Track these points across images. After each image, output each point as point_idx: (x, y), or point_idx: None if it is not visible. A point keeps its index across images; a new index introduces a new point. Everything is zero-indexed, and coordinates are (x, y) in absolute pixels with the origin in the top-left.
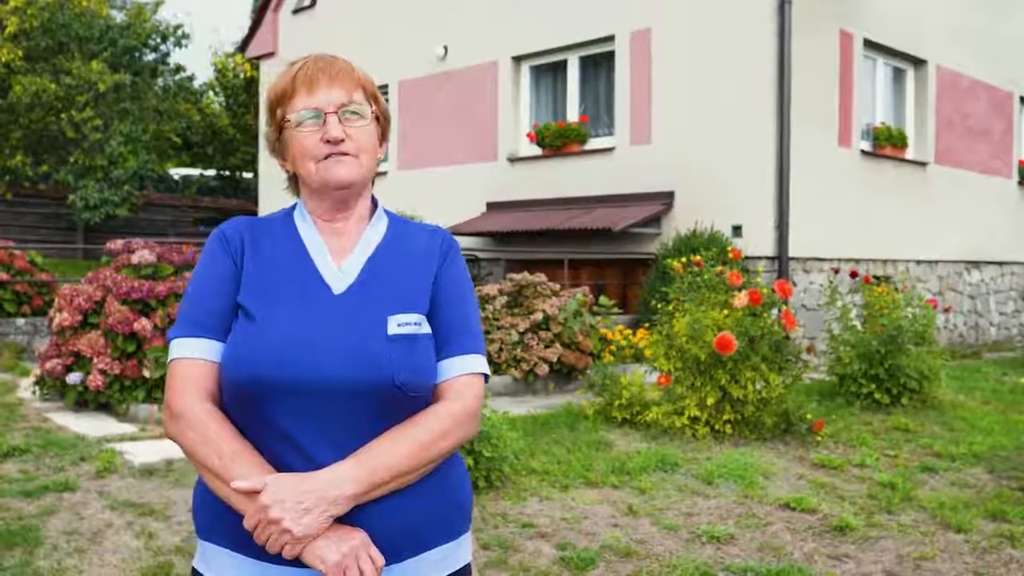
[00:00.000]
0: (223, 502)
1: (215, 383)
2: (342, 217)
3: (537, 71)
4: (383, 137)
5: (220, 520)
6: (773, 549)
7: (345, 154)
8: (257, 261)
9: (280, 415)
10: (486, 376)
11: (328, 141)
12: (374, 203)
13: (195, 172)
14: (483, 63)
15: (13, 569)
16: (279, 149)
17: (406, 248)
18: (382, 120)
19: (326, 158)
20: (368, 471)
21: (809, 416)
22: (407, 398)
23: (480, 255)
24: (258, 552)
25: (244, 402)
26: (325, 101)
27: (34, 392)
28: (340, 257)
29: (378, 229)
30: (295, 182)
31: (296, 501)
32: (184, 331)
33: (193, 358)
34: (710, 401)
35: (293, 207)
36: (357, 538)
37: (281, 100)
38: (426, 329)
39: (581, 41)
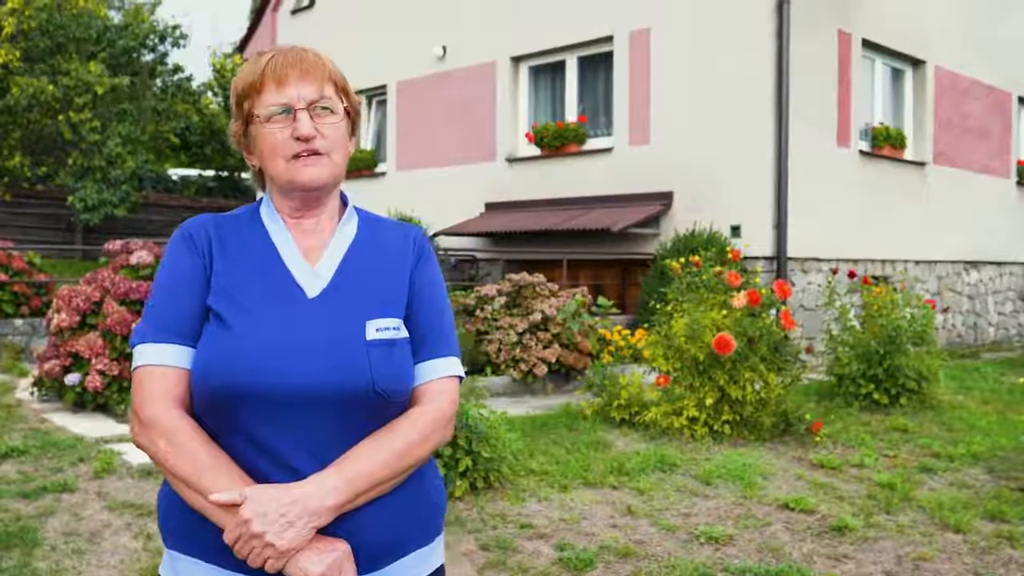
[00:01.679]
0: (194, 512)
1: (185, 390)
2: (312, 215)
3: (536, 71)
4: (353, 131)
5: (191, 530)
6: (772, 550)
7: (316, 153)
8: (226, 261)
9: (255, 424)
10: (460, 378)
11: (298, 138)
12: (344, 200)
13: (194, 172)
14: (482, 63)
15: (11, 570)
16: (245, 143)
17: (379, 248)
18: (353, 115)
19: (296, 157)
20: (350, 481)
21: (808, 416)
22: (385, 404)
23: (479, 255)
24: (234, 564)
25: (217, 410)
26: (295, 96)
27: (32, 393)
28: (312, 258)
29: (349, 228)
30: (261, 177)
31: (279, 514)
32: (151, 336)
33: (161, 364)
34: (709, 401)
35: (259, 202)
36: (340, 549)
37: (249, 93)
38: (404, 333)
39: (580, 41)
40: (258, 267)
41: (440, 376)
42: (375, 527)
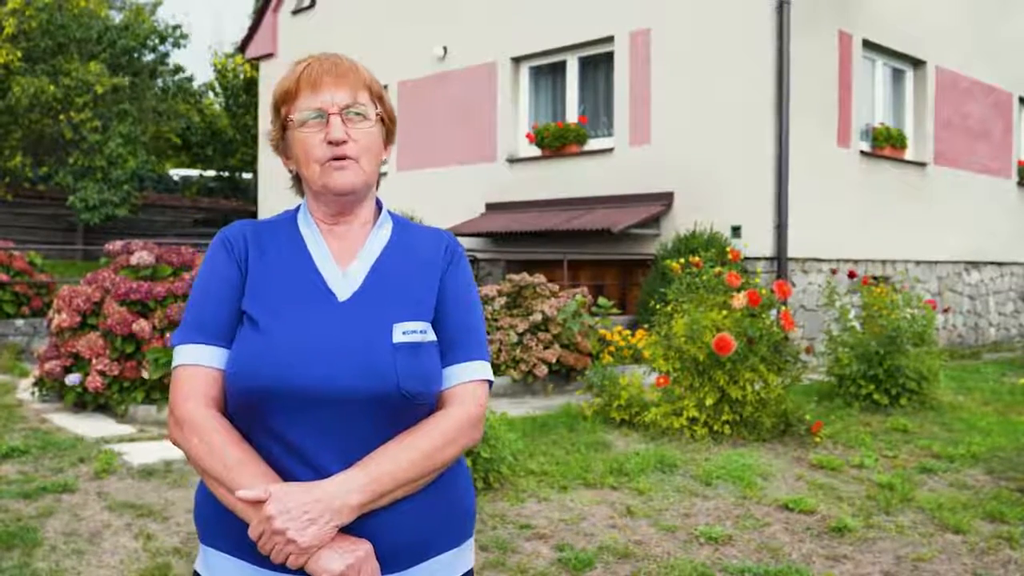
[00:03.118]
0: (226, 508)
1: (220, 390)
2: (346, 221)
3: (536, 72)
4: (388, 138)
5: (223, 526)
6: (771, 550)
7: (347, 158)
8: (261, 266)
9: (284, 423)
10: (490, 382)
11: (331, 142)
12: (379, 205)
13: (194, 173)
14: (482, 64)
15: (11, 570)
16: (282, 148)
17: (411, 253)
18: (387, 121)
19: (328, 162)
20: (373, 480)
21: (808, 417)
22: (412, 406)
23: (479, 256)
24: (262, 560)
25: (248, 410)
26: (329, 101)
27: (33, 393)
28: (344, 262)
29: (382, 233)
30: (299, 182)
31: (302, 511)
32: (188, 337)
33: (197, 365)
34: (709, 402)
35: (297, 209)
36: (362, 549)
37: (285, 99)
38: (431, 337)
39: (580, 42)
40: (291, 271)
41: (469, 379)
42: (400, 528)
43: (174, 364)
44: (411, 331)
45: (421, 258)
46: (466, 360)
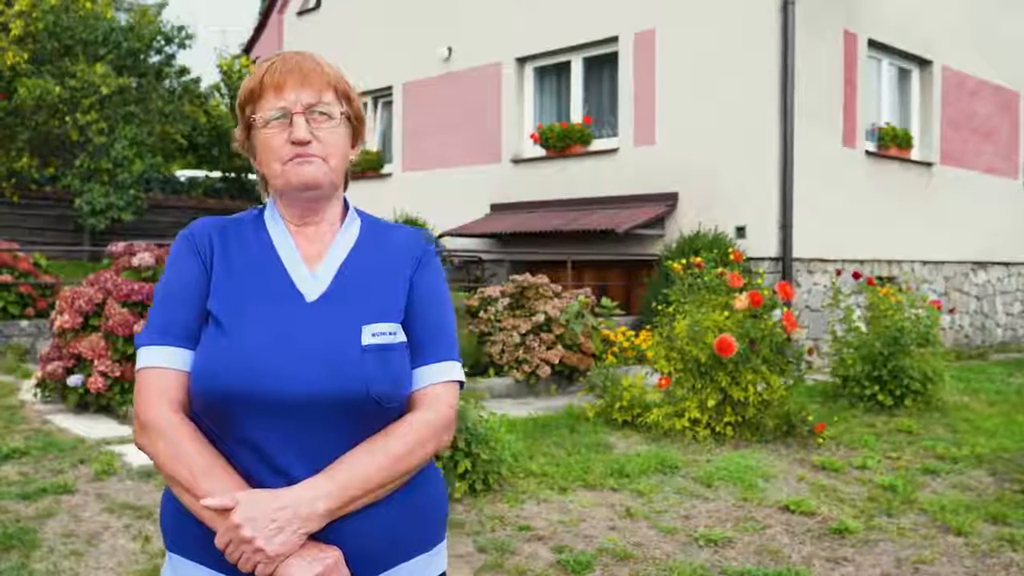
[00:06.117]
0: (193, 514)
1: (185, 393)
2: (312, 220)
3: (541, 72)
4: (356, 139)
5: (189, 533)
6: (771, 552)
7: (313, 155)
8: (226, 265)
9: (251, 427)
10: (461, 383)
11: (294, 142)
12: (346, 205)
13: (201, 174)
14: (487, 64)
15: (9, 572)
16: (248, 148)
17: (380, 252)
18: (354, 121)
19: (292, 159)
20: (342, 486)
21: (811, 418)
22: (382, 409)
23: (484, 256)
24: (229, 568)
25: (214, 413)
26: (293, 101)
27: (35, 394)
28: (312, 262)
29: (350, 232)
30: (266, 182)
31: (269, 519)
32: (152, 339)
33: (162, 367)
34: (710, 403)
35: (263, 207)
36: (331, 556)
37: (249, 99)
38: (401, 338)
39: (585, 42)
40: (258, 270)
41: (439, 381)
42: (370, 533)
43: (138, 367)
44: (381, 332)
45: (391, 258)
46: (436, 361)
